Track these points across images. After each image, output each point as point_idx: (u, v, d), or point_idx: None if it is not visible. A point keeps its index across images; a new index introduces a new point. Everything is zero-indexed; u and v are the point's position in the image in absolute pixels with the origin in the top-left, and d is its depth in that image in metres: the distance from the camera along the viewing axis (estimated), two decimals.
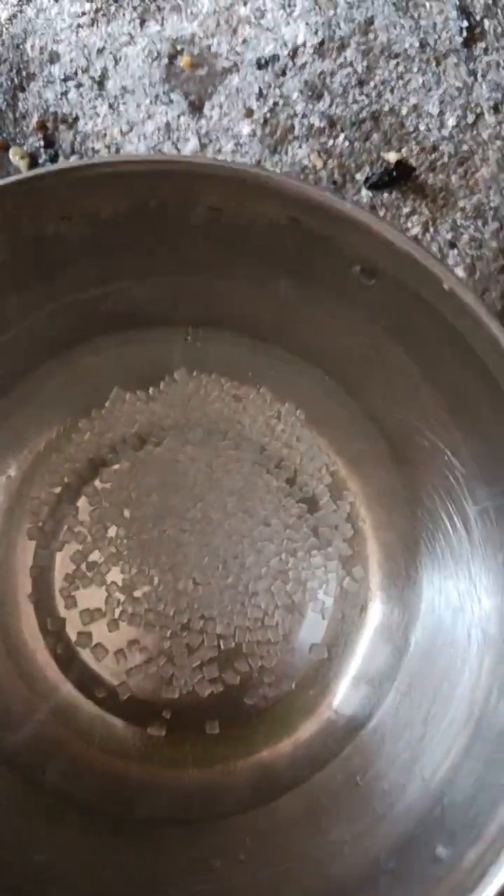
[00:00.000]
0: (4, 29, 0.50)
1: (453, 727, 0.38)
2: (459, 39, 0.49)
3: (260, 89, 0.49)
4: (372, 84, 0.49)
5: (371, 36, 0.49)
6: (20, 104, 0.50)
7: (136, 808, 0.43)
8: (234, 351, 0.45)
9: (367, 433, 0.44)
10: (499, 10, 0.49)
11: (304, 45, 0.49)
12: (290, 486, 0.46)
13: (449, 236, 0.48)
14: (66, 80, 0.50)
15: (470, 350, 0.33)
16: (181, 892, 0.38)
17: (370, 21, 0.49)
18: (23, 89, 0.50)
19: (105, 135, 0.49)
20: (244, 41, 0.49)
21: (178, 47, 0.50)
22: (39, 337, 0.41)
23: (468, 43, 0.49)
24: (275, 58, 0.49)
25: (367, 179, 0.48)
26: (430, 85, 0.49)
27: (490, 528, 0.38)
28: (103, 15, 0.50)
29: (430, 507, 0.42)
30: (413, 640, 0.42)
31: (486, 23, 0.49)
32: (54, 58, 0.49)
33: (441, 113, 0.48)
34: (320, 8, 0.49)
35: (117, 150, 0.50)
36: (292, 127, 0.49)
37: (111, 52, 0.50)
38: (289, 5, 0.49)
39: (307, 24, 0.49)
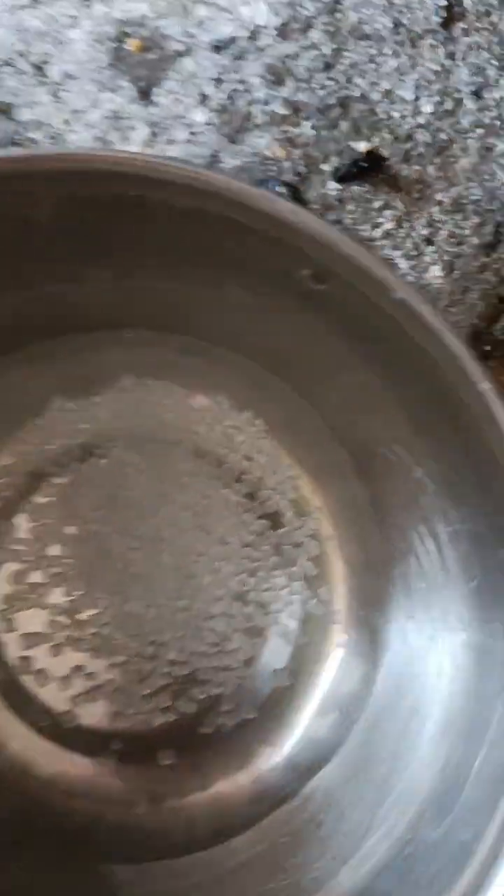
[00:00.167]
0: None
1: (421, 769, 0.35)
2: (437, 19, 0.45)
3: (217, 74, 0.45)
4: (340, 68, 0.45)
5: (339, 16, 0.46)
6: None
7: (82, 845, 0.40)
8: (188, 357, 0.42)
9: (331, 445, 0.41)
10: None
11: (264, 26, 0.46)
12: (251, 501, 0.43)
13: (425, 232, 0.45)
14: (2, 65, 0.46)
15: (428, 362, 0.30)
16: None
17: (338, 0, 0.46)
18: None
19: (46, 125, 0.46)
20: (199, 22, 0.46)
21: (127, 29, 0.46)
22: None
23: (447, 23, 0.45)
24: (232, 40, 0.46)
25: (334, 171, 0.44)
26: (405, 69, 0.45)
27: (462, 553, 0.35)
28: None
29: (401, 525, 0.39)
30: (382, 670, 0.40)
31: (467, 1, 0.46)
32: None
33: (416, 99, 0.45)
34: None
35: (60, 142, 0.46)
36: (252, 115, 0.45)
37: (53, 36, 0.46)
38: None
39: (268, 3, 0.46)
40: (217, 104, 0.45)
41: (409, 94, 0.45)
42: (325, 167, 0.45)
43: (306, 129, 0.45)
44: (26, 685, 0.42)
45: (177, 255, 0.36)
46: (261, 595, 0.42)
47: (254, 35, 0.46)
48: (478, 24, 0.45)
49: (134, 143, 0.46)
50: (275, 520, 0.43)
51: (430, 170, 0.44)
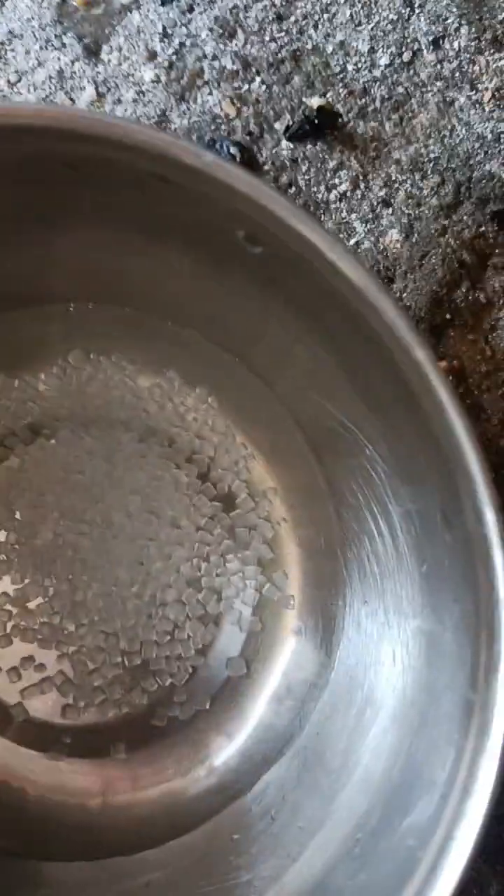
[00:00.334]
0: None
1: (373, 760, 0.33)
2: None
3: (164, 28, 0.43)
4: (292, 19, 0.43)
5: None
6: None
7: (34, 842, 0.39)
8: (135, 331, 0.40)
9: (285, 424, 0.39)
10: None
11: None
12: (203, 483, 0.41)
13: (382, 193, 0.42)
14: None
15: (371, 334, 0.28)
16: None
17: None
18: None
19: None
20: None
21: None
22: None
23: None
24: None
25: (286, 129, 0.42)
26: (360, 18, 0.42)
27: (414, 535, 0.33)
28: None
29: (354, 506, 0.37)
30: (337, 657, 0.38)
31: None
32: None
33: (372, 50, 0.42)
34: None
35: (4, 102, 0.43)
36: (202, 71, 0.43)
37: None
38: None
39: None
40: (165, 61, 0.43)
41: (364, 46, 0.42)
42: (278, 125, 0.42)
43: (257, 85, 0.42)
44: None
45: (113, 219, 0.34)
46: (214, 581, 0.40)
47: None
48: None
49: (81, 104, 0.44)
50: (228, 502, 0.41)
51: (388, 126, 0.42)
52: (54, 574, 0.40)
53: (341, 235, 0.41)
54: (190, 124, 0.42)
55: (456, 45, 0.42)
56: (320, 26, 0.42)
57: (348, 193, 0.42)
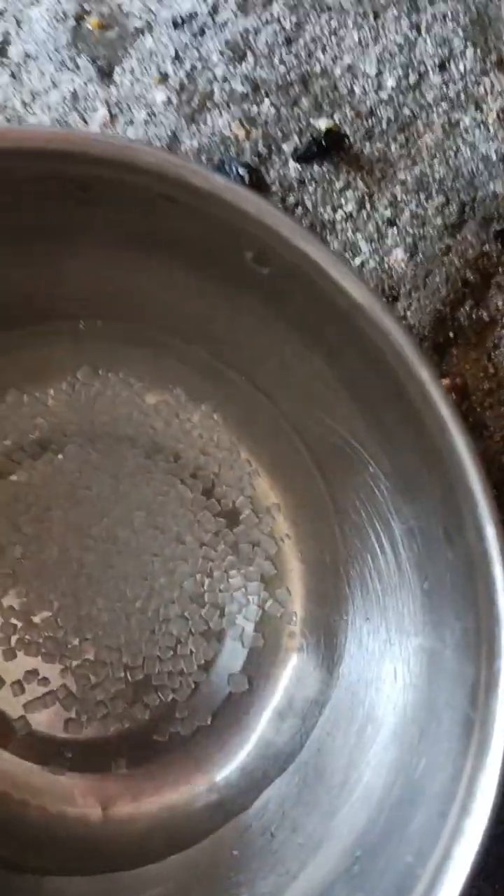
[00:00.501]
0: None
1: (373, 778, 0.33)
2: None
3: (176, 51, 0.43)
4: (301, 42, 0.43)
5: None
6: None
7: (32, 856, 0.39)
8: (144, 349, 0.40)
9: (289, 440, 0.39)
10: None
11: (225, 0, 0.44)
12: (207, 498, 0.41)
13: (388, 213, 0.42)
14: None
15: (375, 353, 0.28)
16: None
17: None
18: None
19: (6, 107, 0.44)
20: None
21: (87, 7, 0.44)
22: None
23: None
24: (193, 15, 0.44)
25: (294, 151, 0.42)
26: (367, 41, 0.43)
27: (416, 552, 0.33)
28: None
29: (357, 523, 0.37)
30: (339, 673, 0.38)
31: None
32: None
33: (379, 73, 0.43)
34: None
35: (19, 124, 0.44)
36: (212, 93, 0.43)
37: (13, 14, 0.45)
38: None
39: None
40: (176, 83, 0.44)
41: (371, 69, 0.43)
42: (286, 147, 0.43)
43: (266, 107, 0.43)
44: None
45: (123, 239, 0.34)
46: (217, 596, 0.40)
47: (214, 10, 0.44)
48: None
49: (94, 125, 0.45)
50: (232, 517, 0.41)
51: (393, 147, 0.42)
52: (60, 588, 0.40)
53: (347, 254, 0.42)
54: (200, 145, 0.43)
55: (461, 67, 0.42)
56: (328, 49, 0.43)
57: (354, 213, 0.42)
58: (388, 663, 0.35)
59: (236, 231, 0.29)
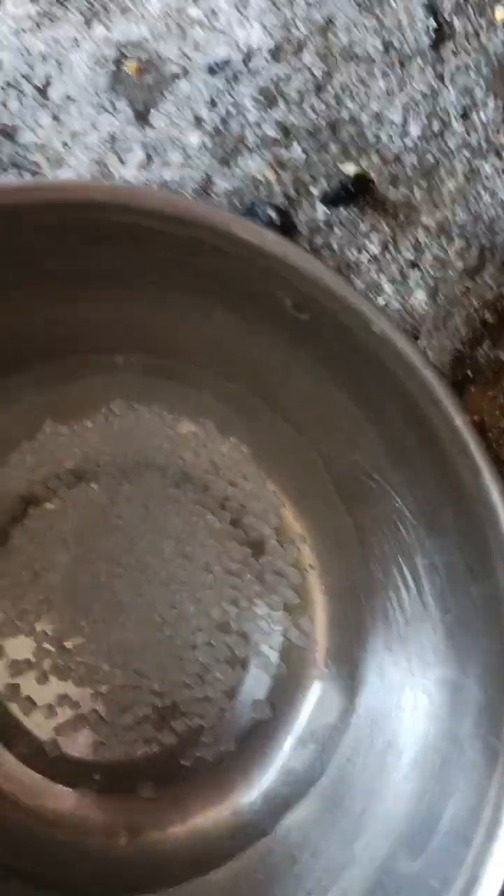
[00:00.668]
0: None
1: (395, 804, 0.34)
2: (426, 40, 0.45)
3: (211, 96, 0.45)
4: (330, 90, 0.45)
5: (331, 37, 0.45)
6: None
7: (60, 875, 0.40)
8: (176, 382, 0.42)
9: (315, 473, 0.41)
10: (469, 7, 0.45)
11: (258, 48, 0.45)
12: (235, 528, 0.42)
13: (410, 256, 0.44)
14: (6, 87, 0.46)
15: (406, 395, 0.30)
16: None
17: (330, 21, 0.45)
18: None
19: (46, 147, 0.46)
20: (195, 44, 0.46)
21: (126, 52, 0.46)
22: None
23: (436, 44, 0.45)
24: (227, 62, 0.46)
25: (323, 194, 0.44)
26: (394, 90, 0.45)
27: (439, 587, 0.34)
28: (48, 18, 0.47)
29: (381, 556, 0.38)
30: (360, 703, 0.39)
31: (456, 22, 0.45)
32: None
33: (405, 121, 0.45)
34: (277, 8, 0.45)
35: (59, 164, 0.46)
36: (244, 137, 0.45)
37: (55, 58, 0.47)
38: (243, 6, 0.46)
39: (262, 25, 0.45)
40: (211, 127, 0.45)
41: (397, 116, 0.44)
42: (314, 190, 0.44)
43: (296, 151, 0.45)
44: (12, 712, 0.42)
45: (167, 282, 0.36)
46: (242, 625, 0.41)
47: (248, 57, 0.46)
48: (466, 45, 0.44)
49: (130, 166, 0.46)
50: (258, 547, 0.42)
51: (417, 193, 0.44)
52: (91, 615, 0.41)
53: (370, 294, 0.43)
54: (232, 187, 0.45)
55: (483, 116, 0.44)
56: (356, 98, 0.45)
57: (378, 255, 0.44)
58: (409, 692, 0.36)
59: (280, 281, 0.31)
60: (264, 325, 0.36)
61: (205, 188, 0.45)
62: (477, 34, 0.44)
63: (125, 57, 0.46)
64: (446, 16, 0.45)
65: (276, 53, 0.46)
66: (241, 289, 0.34)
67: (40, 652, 0.42)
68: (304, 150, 0.45)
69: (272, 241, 0.30)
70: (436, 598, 0.35)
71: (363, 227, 0.44)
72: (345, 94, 0.45)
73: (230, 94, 0.45)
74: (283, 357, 0.37)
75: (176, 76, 0.46)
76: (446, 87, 0.44)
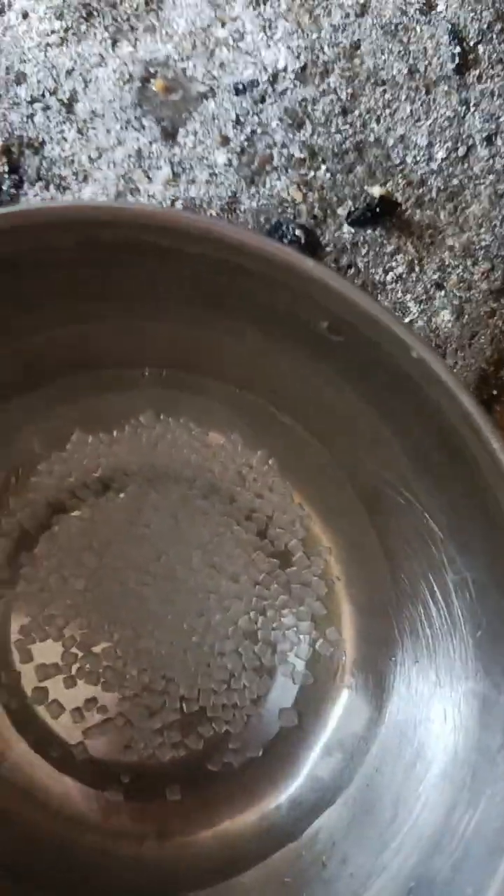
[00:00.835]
0: None
1: (424, 814, 0.35)
2: (451, 66, 0.46)
3: (237, 116, 0.46)
4: (356, 113, 0.46)
5: (357, 61, 0.46)
6: None
7: (88, 879, 0.41)
8: (204, 396, 0.43)
9: (342, 487, 0.42)
10: (494, 35, 0.46)
11: (284, 70, 0.46)
12: (261, 539, 0.43)
13: (436, 277, 0.45)
14: (32, 102, 0.47)
15: (440, 417, 0.31)
16: None
17: (356, 45, 0.46)
18: None
19: (73, 161, 0.47)
20: (221, 65, 0.47)
21: (152, 70, 0.47)
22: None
23: (460, 70, 0.46)
24: (253, 83, 0.46)
25: (349, 215, 0.45)
26: (419, 114, 0.46)
27: (469, 602, 0.35)
28: (74, 34, 0.47)
29: (408, 569, 0.39)
30: (387, 713, 0.40)
31: (481, 48, 0.46)
32: (21, 79, 0.47)
33: (430, 144, 0.46)
34: (303, 31, 0.46)
35: (85, 178, 0.47)
36: (271, 157, 0.46)
37: (81, 74, 0.47)
38: (270, 28, 0.46)
39: (289, 47, 0.46)
40: (237, 146, 0.46)
41: (423, 140, 0.46)
42: (341, 211, 0.45)
43: (322, 172, 0.46)
44: (41, 715, 0.42)
45: (200, 300, 0.37)
46: (269, 634, 0.42)
47: (274, 78, 0.47)
48: (491, 71, 0.46)
49: (157, 183, 0.47)
50: (284, 558, 0.43)
51: (442, 215, 0.45)
52: (119, 621, 0.42)
53: (397, 314, 0.44)
54: (259, 206, 0.46)
55: None
56: (382, 120, 0.46)
57: (404, 276, 0.45)
58: (438, 704, 0.37)
59: (317, 304, 0.32)
60: (289, 342, 0.37)
61: (231, 206, 0.46)
62: (501, 61, 0.46)
63: (151, 75, 0.47)
64: (471, 43, 0.46)
65: (301, 76, 0.47)
66: (273, 309, 0.35)
67: (68, 656, 0.42)
68: (330, 172, 0.46)
69: (312, 268, 0.31)
70: (466, 614, 0.36)
71: (389, 247, 0.45)
72: (371, 117, 0.46)
73: (256, 115, 0.46)
74: (308, 372, 0.38)
75: (203, 95, 0.47)
76: (471, 113, 0.46)
